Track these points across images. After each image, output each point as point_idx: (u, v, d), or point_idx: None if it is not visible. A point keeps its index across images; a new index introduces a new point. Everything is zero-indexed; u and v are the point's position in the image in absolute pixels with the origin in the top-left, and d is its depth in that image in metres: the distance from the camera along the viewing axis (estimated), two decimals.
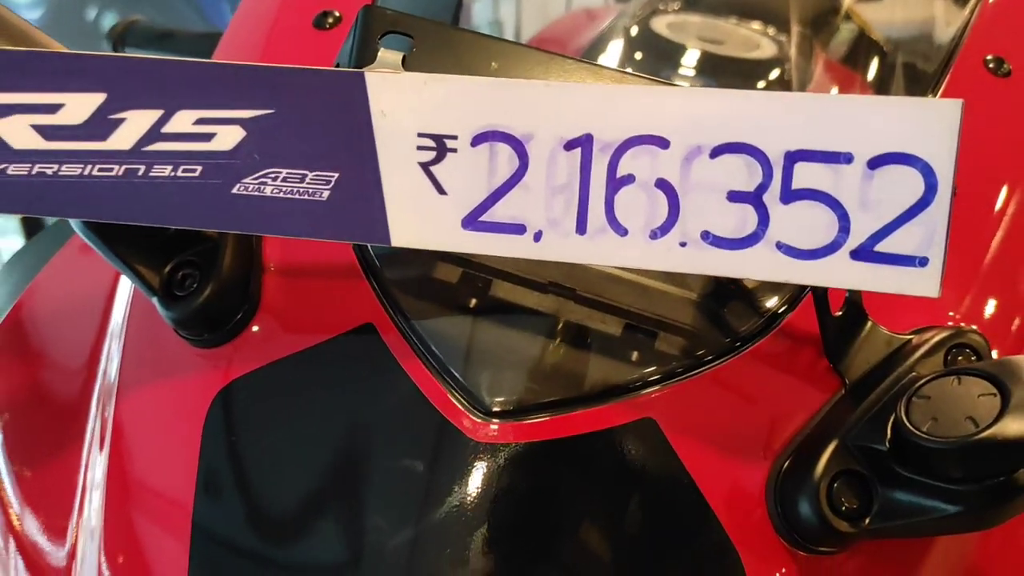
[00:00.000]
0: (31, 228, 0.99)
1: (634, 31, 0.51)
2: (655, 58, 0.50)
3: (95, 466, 0.33)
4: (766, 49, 0.52)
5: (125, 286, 0.38)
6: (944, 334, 0.30)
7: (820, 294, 0.29)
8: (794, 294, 0.32)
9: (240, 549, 0.30)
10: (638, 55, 0.51)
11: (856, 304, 0.30)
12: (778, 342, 0.32)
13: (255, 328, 0.32)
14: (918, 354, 0.30)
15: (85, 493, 0.35)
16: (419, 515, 0.28)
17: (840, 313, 0.30)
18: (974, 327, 0.32)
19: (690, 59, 0.51)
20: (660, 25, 0.52)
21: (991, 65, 0.44)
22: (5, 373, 0.39)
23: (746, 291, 0.32)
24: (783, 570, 0.29)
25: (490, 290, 0.31)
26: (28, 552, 0.36)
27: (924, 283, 0.24)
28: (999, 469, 0.26)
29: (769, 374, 0.31)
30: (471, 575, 0.27)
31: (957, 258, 0.31)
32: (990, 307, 0.35)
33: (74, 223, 0.30)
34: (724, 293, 0.32)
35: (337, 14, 0.41)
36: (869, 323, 0.31)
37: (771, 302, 0.32)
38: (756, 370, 0.31)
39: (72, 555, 0.35)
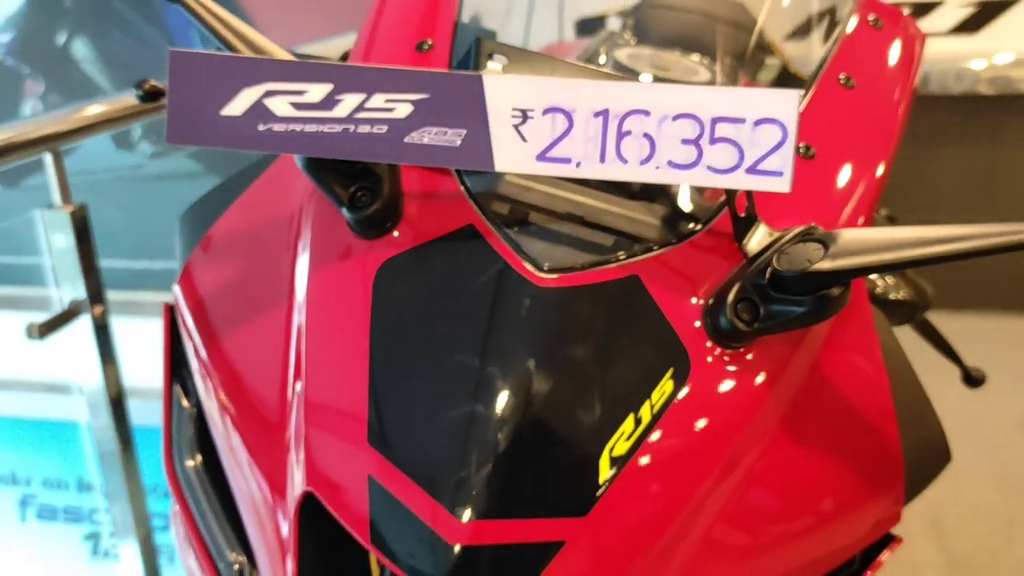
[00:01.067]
0: (80, 231, 1.17)
1: (602, 60, 0.75)
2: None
3: (296, 322, 0.53)
4: (702, 75, 0.76)
5: (307, 213, 0.57)
6: (801, 229, 0.53)
7: (731, 203, 0.52)
8: (719, 207, 0.55)
9: (406, 357, 0.49)
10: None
11: (751, 211, 0.53)
12: (711, 235, 0.54)
13: (399, 230, 0.53)
14: (786, 238, 0.53)
15: (290, 355, 0.53)
16: (501, 328, 0.49)
17: (744, 215, 0.53)
18: (818, 227, 0.55)
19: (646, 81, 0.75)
20: (622, 55, 0.76)
21: (842, 79, 0.67)
22: (209, 280, 0.58)
23: (696, 205, 0.55)
24: (710, 357, 0.51)
25: (540, 204, 0.53)
26: (243, 419, 0.53)
27: (781, 184, 0.47)
28: (823, 286, 0.48)
29: (705, 252, 0.54)
30: (539, 363, 0.48)
31: (813, 192, 0.55)
32: (827, 220, 0.59)
33: (298, 161, 0.51)
34: (682, 207, 0.55)
35: (430, 42, 0.62)
36: (760, 223, 0.53)
37: (707, 211, 0.55)
38: (697, 250, 0.54)
39: (284, 412, 0.52)
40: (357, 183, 0.51)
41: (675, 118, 0.48)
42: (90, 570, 2.93)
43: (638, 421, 0.47)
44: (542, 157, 0.49)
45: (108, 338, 1.26)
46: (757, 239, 0.53)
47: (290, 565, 0.48)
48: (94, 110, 1.18)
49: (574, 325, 0.50)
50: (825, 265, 0.47)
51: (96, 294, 1.24)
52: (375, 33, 0.65)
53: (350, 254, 0.53)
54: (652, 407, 0.48)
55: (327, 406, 0.49)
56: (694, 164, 0.48)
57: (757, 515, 0.51)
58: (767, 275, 0.49)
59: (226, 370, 0.54)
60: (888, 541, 0.57)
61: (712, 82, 0.78)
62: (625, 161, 0.48)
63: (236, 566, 0.54)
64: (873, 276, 0.65)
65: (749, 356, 0.51)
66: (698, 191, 0.57)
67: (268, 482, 0.51)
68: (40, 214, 1.19)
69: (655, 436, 0.48)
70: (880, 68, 0.68)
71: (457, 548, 0.43)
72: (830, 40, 0.71)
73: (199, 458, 0.58)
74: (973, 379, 0.87)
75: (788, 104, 0.47)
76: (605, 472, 0.46)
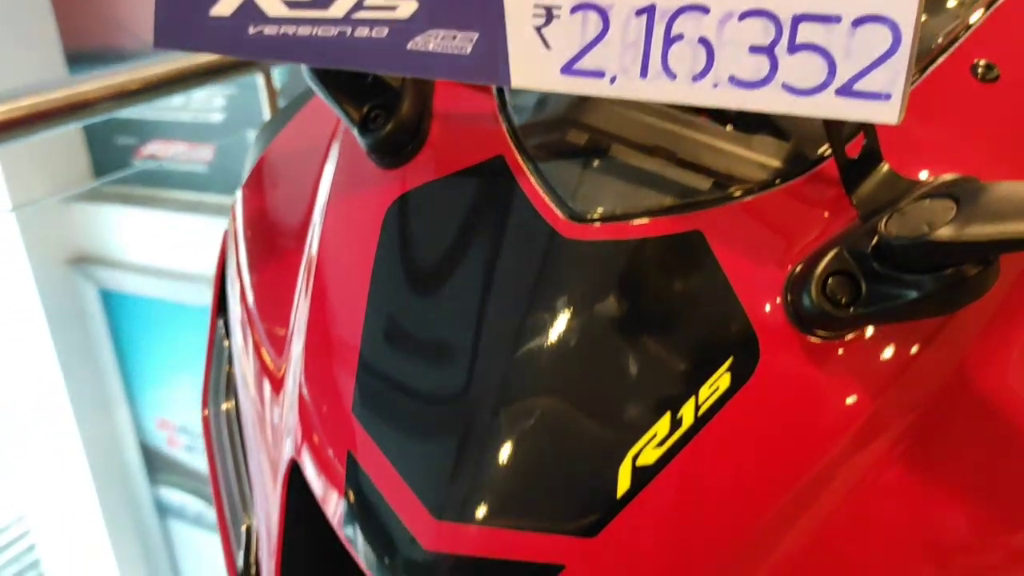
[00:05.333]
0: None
1: None
2: None
3: (309, 264, 0.48)
4: None
5: (338, 136, 0.52)
6: (945, 179, 0.38)
7: (835, 138, 0.38)
8: (827, 148, 0.41)
9: (404, 315, 0.43)
10: None
11: (872, 148, 0.38)
12: (814, 181, 0.40)
13: (421, 157, 0.45)
14: (919, 192, 0.37)
15: (302, 298, 0.48)
16: (516, 289, 0.40)
17: (859, 156, 0.39)
18: (977, 180, 0.39)
19: None
20: None
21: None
22: (254, 203, 0.55)
23: (800, 138, 0.41)
24: (787, 347, 0.38)
25: (582, 133, 0.42)
26: (258, 344, 0.50)
27: (888, 112, 0.33)
28: (951, 262, 0.34)
29: (800, 205, 0.40)
30: (556, 336, 0.38)
31: (988, 132, 0.39)
32: (1001, 172, 0.42)
33: (305, 73, 0.44)
34: (772, 139, 0.41)
35: None
36: (884, 166, 0.39)
37: (815, 147, 0.41)
38: (790, 201, 0.40)
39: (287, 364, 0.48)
40: (371, 101, 0.44)
41: (742, 16, 0.35)
42: None
43: (676, 423, 0.36)
44: (568, 70, 0.38)
45: None
46: (877, 191, 0.38)
47: (274, 537, 0.43)
48: None
49: (606, 291, 0.39)
50: (948, 232, 0.32)
51: None
52: None
53: (364, 186, 0.46)
54: (698, 407, 0.37)
55: (322, 365, 0.44)
56: (765, 81, 0.35)
57: (849, 555, 0.38)
58: (872, 240, 0.36)
59: (247, 309, 0.50)
60: None
61: None
62: (673, 76, 0.36)
63: (244, 526, 0.51)
64: None
65: (841, 351, 0.37)
66: (803, 120, 0.42)
67: (265, 442, 0.46)
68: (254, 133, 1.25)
69: (697, 445, 0.36)
70: None
71: (432, 555, 0.36)
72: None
73: (232, 402, 0.55)
74: None
75: (905, 4, 0.32)
76: (624, 484, 0.36)
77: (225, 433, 0.55)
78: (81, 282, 3.41)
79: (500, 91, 0.47)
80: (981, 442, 0.40)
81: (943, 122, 0.44)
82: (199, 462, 3.72)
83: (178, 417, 3.63)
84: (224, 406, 0.55)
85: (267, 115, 1.21)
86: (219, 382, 0.56)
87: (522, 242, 0.41)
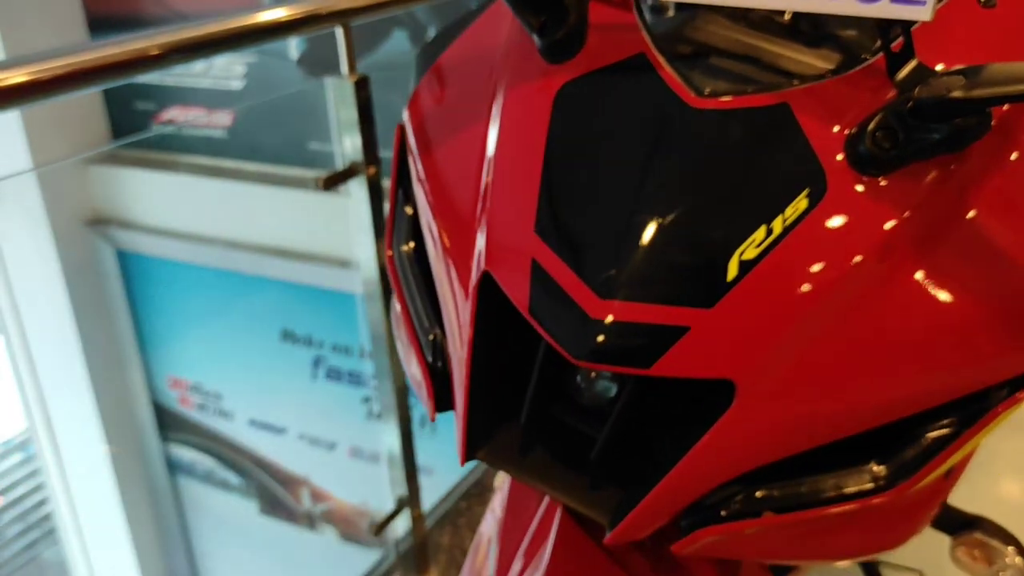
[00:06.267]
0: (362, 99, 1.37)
1: None
2: None
3: (491, 132, 0.65)
4: None
5: (511, 44, 0.68)
6: (958, 68, 0.56)
7: (885, 37, 0.56)
8: (878, 47, 0.59)
9: (572, 163, 0.60)
10: None
11: (908, 46, 0.56)
12: (866, 71, 0.59)
13: (583, 55, 0.63)
14: (940, 73, 0.56)
15: (485, 160, 0.65)
16: (659, 142, 0.58)
17: (899, 51, 0.57)
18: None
19: None
20: None
21: None
22: (431, 96, 0.72)
23: (856, 43, 0.60)
24: (847, 181, 0.56)
25: (707, 40, 0.60)
26: (443, 216, 0.66)
27: (923, 13, 0.51)
28: (960, 114, 0.52)
29: (857, 87, 0.59)
30: (687, 175, 0.56)
31: (986, 40, 0.57)
32: None
33: None
34: (842, 45, 0.60)
35: None
36: (915, 60, 0.57)
37: (866, 49, 0.60)
38: (849, 84, 0.59)
39: (475, 209, 0.64)
40: (547, 13, 0.61)
41: None
42: (365, 428, 3.35)
43: (769, 231, 0.54)
44: None
45: (379, 196, 1.46)
46: (909, 74, 0.56)
47: (467, 335, 0.61)
48: None
49: (723, 143, 0.57)
50: (959, 93, 0.50)
51: (371, 156, 1.44)
52: None
53: (539, 75, 0.64)
54: (785, 220, 0.54)
55: (506, 203, 0.61)
56: None
57: (884, 329, 0.55)
58: (909, 104, 0.54)
59: (434, 175, 0.68)
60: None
61: None
62: None
63: (431, 336, 0.68)
64: None
65: (886, 183, 0.55)
66: (860, 31, 0.61)
67: (457, 267, 0.63)
68: (328, 81, 1.40)
69: (783, 248, 0.54)
70: None
71: (598, 321, 0.53)
72: None
73: (412, 244, 0.72)
74: None
75: None
76: (733, 272, 0.54)
77: (408, 267, 0.72)
78: (99, 243, 3.53)
79: (639, 8, 0.65)
80: (978, 251, 0.58)
81: (955, 35, 0.61)
82: (210, 420, 3.84)
83: (190, 375, 3.76)
84: (404, 248, 0.73)
85: (344, 62, 1.35)
86: (399, 232, 0.73)
87: (661, 111, 0.59)
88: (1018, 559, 0.86)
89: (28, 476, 3.62)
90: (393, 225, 0.74)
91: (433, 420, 0.66)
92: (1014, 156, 0.56)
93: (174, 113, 3.49)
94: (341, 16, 1.33)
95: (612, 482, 0.59)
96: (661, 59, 0.60)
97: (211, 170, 3.36)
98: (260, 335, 3.39)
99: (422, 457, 1.68)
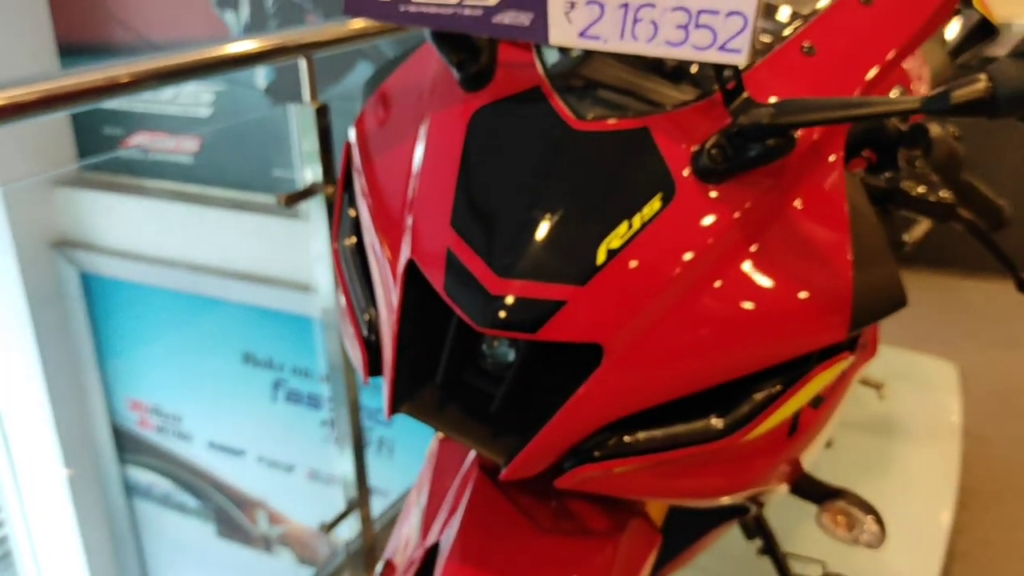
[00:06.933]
0: (322, 124, 1.50)
1: None
2: None
3: (418, 147, 0.80)
4: None
5: (437, 76, 0.84)
6: (775, 101, 0.72)
7: (720, 77, 0.72)
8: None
9: (481, 172, 0.74)
10: None
11: (739, 84, 0.72)
12: (710, 104, 0.75)
13: (492, 85, 0.78)
14: (761, 106, 0.72)
15: (413, 170, 0.80)
16: (547, 155, 0.73)
17: (732, 88, 0.73)
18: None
19: None
20: None
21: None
22: (374, 116, 0.87)
23: (703, 81, 0.76)
24: (691, 188, 0.71)
25: (583, 76, 0.76)
26: (378, 215, 0.81)
27: (739, 59, 0.67)
28: (771, 136, 0.67)
29: (702, 115, 0.74)
30: (567, 181, 0.71)
31: (806, 81, 0.74)
32: None
33: (426, 34, 0.77)
34: (693, 83, 0.76)
35: None
36: (745, 94, 0.73)
37: (709, 86, 0.76)
38: (697, 113, 0.74)
39: (403, 209, 0.80)
40: (464, 52, 0.77)
41: (673, 9, 0.69)
42: (323, 451, 3.42)
43: (630, 226, 0.68)
44: (582, 35, 0.72)
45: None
46: (739, 105, 0.72)
47: (395, 311, 0.75)
48: (352, 25, 1.48)
49: (597, 157, 0.72)
50: (767, 120, 0.66)
51: (330, 178, 1.58)
52: None
53: (457, 102, 0.79)
54: (642, 218, 0.69)
55: (428, 205, 0.76)
56: (683, 42, 0.69)
57: (720, 305, 0.68)
58: (735, 129, 0.69)
59: (373, 183, 0.82)
60: (837, 353, 0.74)
61: None
62: (636, 39, 0.70)
63: (367, 316, 0.82)
64: (911, 180, 0.79)
65: (721, 190, 0.70)
66: (712, 70, 0.76)
67: (389, 257, 0.78)
68: (291, 108, 1.54)
69: (641, 239, 0.67)
70: None
71: (498, 297, 0.67)
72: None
73: (354, 240, 0.87)
74: None
75: (749, 3, 0.66)
76: (601, 258, 0.67)
77: (350, 259, 0.86)
78: (63, 265, 3.59)
79: (539, 50, 0.80)
80: (794, 242, 0.73)
81: (780, 76, 0.76)
82: (169, 443, 3.87)
83: (150, 398, 3.80)
84: (347, 242, 0.87)
85: (306, 91, 1.49)
86: (344, 229, 0.87)
87: (550, 132, 0.73)
88: (875, 526, 1.01)
89: None
90: (339, 223, 0.89)
91: (366, 383, 0.80)
92: (819, 169, 0.72)
93: (141, 139, 3.58)
94: (305, 48, 1.45)
95: (509, 431, 0.71)
96: (552, 91, 0.76)
97: (177, 195, 3.44)
98: (221, 357, 3.44)
99: (378, 480, 1.75)
